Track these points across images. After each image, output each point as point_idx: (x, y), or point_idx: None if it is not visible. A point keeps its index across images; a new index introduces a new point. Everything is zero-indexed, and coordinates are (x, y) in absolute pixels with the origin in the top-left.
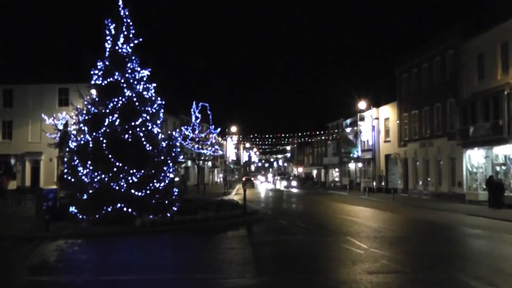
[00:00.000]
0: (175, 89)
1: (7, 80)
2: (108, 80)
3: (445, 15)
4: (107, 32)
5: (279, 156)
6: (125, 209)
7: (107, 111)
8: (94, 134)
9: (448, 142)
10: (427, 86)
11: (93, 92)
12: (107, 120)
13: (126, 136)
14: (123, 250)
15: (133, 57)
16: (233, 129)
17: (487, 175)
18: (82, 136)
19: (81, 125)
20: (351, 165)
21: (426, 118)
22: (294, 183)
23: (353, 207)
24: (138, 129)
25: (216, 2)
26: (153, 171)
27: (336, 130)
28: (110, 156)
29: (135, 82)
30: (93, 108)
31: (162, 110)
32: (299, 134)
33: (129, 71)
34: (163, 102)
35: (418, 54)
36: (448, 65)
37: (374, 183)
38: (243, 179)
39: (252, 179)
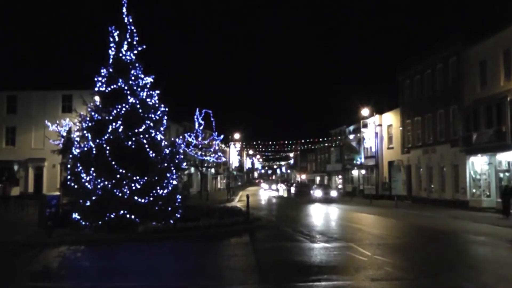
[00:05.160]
0: (178, 96)
1: (11, 87)
2: (112, 87)
3: (448, 22)
4: (111, 39)
5: (282, 163)
6: (128, 215)
7: (111, 118)
8: (97, 140)
9: (451, 148)
10: (429, 92)
11: (97, 99)
12: (110, 127)
13: (130, 143)
14: (126, 257)
15: (137, 64)
16: (236, 136)
17: (490, 182)
18: (85, 142)
19: (85, 131)
20: (354, 172)
21: (429, 125)
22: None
23: (356, 214)
24: (141, 136)
25: (221, 9)
26: (156, 178)
27: (339, 137)
28: (113, 163)
29: (139, 89)
30: (96, 115)
31: (166, 117)
32: (302, 141)
33: (133, 78)
34: (167, 109)
35: (420, 60)
36: (450, 72)
37: (377, 190)
38: (256, 181)
39: (261, 181)
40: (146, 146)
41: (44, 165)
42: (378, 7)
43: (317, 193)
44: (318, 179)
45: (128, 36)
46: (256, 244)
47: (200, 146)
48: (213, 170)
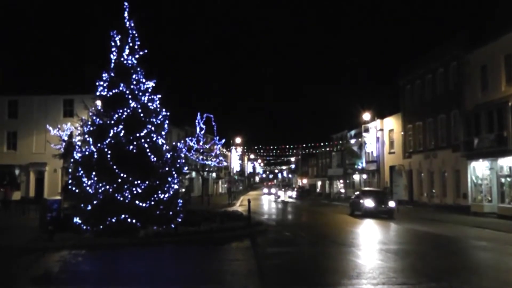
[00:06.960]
0: (179, 100)
1: (12, 91)
2: (113, 91)
3: (448, 26)
4: (113, 44)
5: (284, 167)
6: (129, 220)
7: (112, 122)
8: (98, 145)
9: (452, 153)
10: (430, 97)
11: (98, 103)
12: (111, 131)
13: (131, 147)
14: (127, 261)
15: (138, 69)
16: (238, 140)
17: (491, 187)
18: (86, 147)
19: (86, 136)
20: (356, 177)
21: (430, 130)
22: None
23: (357, 219)
24: (142, 140)
25: (222, 12)
26: (157, 182)
27: (340, 142)
28: (114, 167)
29: (140, 94)
30: (98, 119)
31: (167, 121)
32: (304, 145)
33: (134, 82)
34: (168, 113)
35: (421, 65)
36: (451, 77)
37: None
38: (264, 184)
39: (269, 184)
40: (148, 150)
41: (45, 169)
42: (378, 10)
43: (368, 202)
44: (319, 183)
45: (129, 41)
46: (257, 248)
47: (201, 150)
48: (214, 174)
